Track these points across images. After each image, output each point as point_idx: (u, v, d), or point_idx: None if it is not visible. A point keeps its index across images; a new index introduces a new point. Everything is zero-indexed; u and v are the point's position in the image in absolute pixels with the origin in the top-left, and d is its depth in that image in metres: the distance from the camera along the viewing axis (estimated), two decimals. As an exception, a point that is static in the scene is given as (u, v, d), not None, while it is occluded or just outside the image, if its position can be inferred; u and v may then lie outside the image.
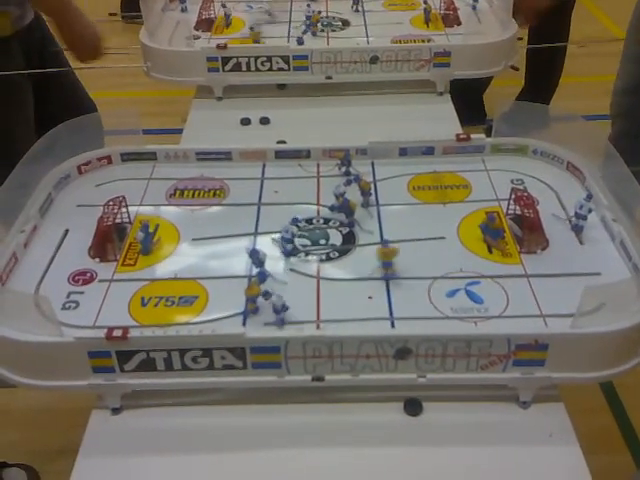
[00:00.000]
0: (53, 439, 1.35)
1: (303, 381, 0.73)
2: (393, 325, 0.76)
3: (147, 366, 0.72)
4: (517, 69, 1.82)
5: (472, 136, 1.03)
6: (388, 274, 0.81)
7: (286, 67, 1.27)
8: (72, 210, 0.94)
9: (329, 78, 1.29)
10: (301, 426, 0.74)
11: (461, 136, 1.02)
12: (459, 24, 1.42)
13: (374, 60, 1.27)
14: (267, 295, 0.77)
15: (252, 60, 1.27)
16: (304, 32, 1.33)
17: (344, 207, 0.90)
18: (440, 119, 1.24)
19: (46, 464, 1.35)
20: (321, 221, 0.91)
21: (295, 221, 0.90)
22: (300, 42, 1.31)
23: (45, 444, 1.37)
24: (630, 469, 1.37)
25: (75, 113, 0.98)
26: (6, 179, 0.86)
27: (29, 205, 0.90)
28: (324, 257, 0.86)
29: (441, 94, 1.30)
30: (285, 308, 0.75)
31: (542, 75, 2.16)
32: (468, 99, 1.84)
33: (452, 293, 0.80)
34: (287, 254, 0.85)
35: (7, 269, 0.81)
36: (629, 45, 1.55)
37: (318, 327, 0.76)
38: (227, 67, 1.28)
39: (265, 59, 1.27)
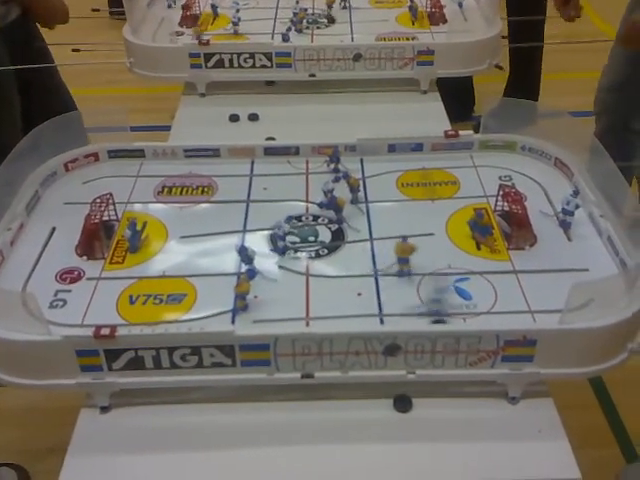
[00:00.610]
0: (42, 438, 1.34)
1: (293, 378, 0.73)
2: (382, 322, 0.76)
3: (135, 364, 0.71)
4: (501, 68, 1.83)
5: (460, 133, 1.03)
6: (404, 270, 0.81)
7: (269, 64, 1.27)
8: (59, 208, 0.94)
9: (312, 76, 1.29)
10: (291, 423, 0.74)
11: (449, 133, 1.03)
12: (445, 22, 1.43)
13: (357, 58, 1.27)
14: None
15: (235, 57, 1.26)
16: (288, 29, 1.33)
17: (332, 204, 0.90)
18: (426, 117, 1.25)
19: (36, 463, 1.34)
20: (310, 218, 0.91)
21: (289, 219, 0.89)
22: (285, 39, 1.31)
23: (34, 443, 1.36)
24: (619, 463, 1.38)
25: (57, 111, 0.98)
26: None
27: (15, 203, 0.89)
28: (313, 254, 0.86)
29: (425, 92, 1.30)
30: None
31: (524, 67, 2.18)
32: (457, 93, 1.85)
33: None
34: (280, 252, 0.85)
35: (-7, 267, 0.80)
36: (618, 44, 1.57)
37: (307, 324, 0.76)
38: (210, 63, 1.27)
39: (248, 56, 1.26)
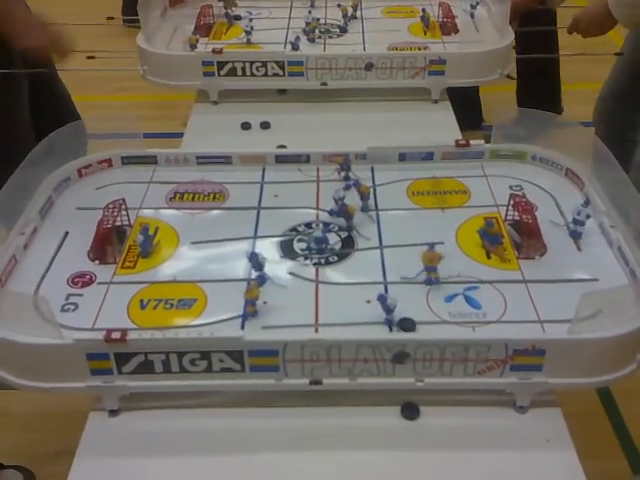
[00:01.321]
0: (50, 442, 1.35)
1: (301, 384, 0.73)
2: (391, 329, 0.76)
3: (145, 368, 0.72)
4: (513, 78, 1.84)
5: (471, 142, 1.03)
6: (432, 279, 0.81)
7: (281, 72, 1.28)
8: (72, 213, 0.95)
9: (324, 84, 1.30)
10: (298, 429, 0.74)
11: (460, 142, 1.03)
12: (457, 32, 1.43)
13: (369, 67, 1.27)
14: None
15: (247, 65, 1.27)
16: (297, 38, 1.33)
17: (343, 212, 0.91)
18: (437, 126, 1.25)
19: (43, 466, 1.35)
20: (320, 225, 0.92)
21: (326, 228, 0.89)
22: (295, 47, 1.32)
23: (42, 447, 1.37)
24: (626, 475, 1.36)
25: (59, 112, 0.98)
26: (6, 179, 0.86)
27: (29, 208, 0.91)
28: (323, 261, 0.86)
29: (436, 102, 1.31)
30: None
31: (535, 78, 2.17)
32: (464, 103, 1.85)
33: (450, 298, 0.80)
34: (319, 251, 0.86)
35: (7, 270, 0.81)
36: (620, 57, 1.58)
37: (316, 331, 0.76)
38: (222, 72, 1.28)
39: (260, 64, 1.27)
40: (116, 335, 0.70)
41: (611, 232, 0.86)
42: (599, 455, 1.20)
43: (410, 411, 0.75)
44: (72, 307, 0.79)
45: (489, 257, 0.86)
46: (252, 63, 1.28)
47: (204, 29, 1.44)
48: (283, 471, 0.71)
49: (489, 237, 0.87)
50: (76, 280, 0.83)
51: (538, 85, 2.20)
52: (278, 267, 0.85)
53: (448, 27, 1.44)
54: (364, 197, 0.94)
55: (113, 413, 0.75)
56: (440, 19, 1.46)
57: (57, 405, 1.27)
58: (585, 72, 2.18)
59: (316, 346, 0.71)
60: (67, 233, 0.90)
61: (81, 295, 0.81)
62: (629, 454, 1.40)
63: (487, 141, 1.05)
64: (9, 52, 1.33)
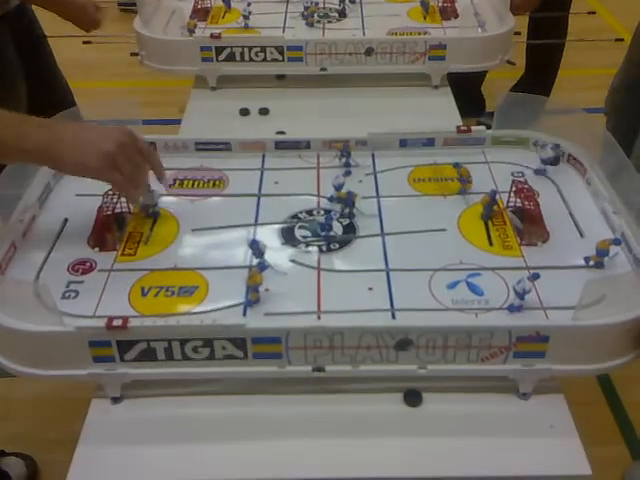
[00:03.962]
0: (51, 429, 1.35)
1: (304, 372, 0.73)
2: (394, 316, 0.76)
3: (147, 356, 0.71)
4: (514, 64, 1.84)
5: (473, 128, 1.02)
6: None
7: (280, 58, 1.27)
8: (71, 199, 0.94)
9: (324, 69, 1.28)
10: (301, 416, 0.74)
11: (462, 128, 1.02)
12: (457, 17, 1.42)
13: (369, 52, 1.26)
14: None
15: (246, 50, 1.26)
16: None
17: (346, 198, 0.90)
18: (438, 112, 1.24)
19: (44, 454, 1.35)
20: (321, 212, 0.91)
21: (329, 219, 0.87)
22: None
23: (43, 434, 1.37)
24: (626, 461, 1.37)
25: (53, 103, 0.97)
26: (1, 169, 0.85)
27: (28, 194, 0.90)
28: (325, 248, 0.85)
29: (436, 87, 1.30)
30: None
31: (541, 67, 2.16)
32: (465, 91, 1.84)
33: (453, 285, 0.80)
34: (326, 238, 0.86)
35: (6, 258, 0.81)
36: (631, 47, 1.57)
37: (319, 318, 0.76)
38: (221, 57, 1.27)
39: (259, 49, 1.26)
40: (118, 322, 0.70)
41: (614, 218, 0.86)
42: (599, 441, 1.21)
43: (413, 398, 0.75)
44: (73, 294, 0.78)
45: (491, 244, 0.86)
46: (251, 48, 1.26)
47: (202, 13, 1.43)
48: (286, 458, 0.70)
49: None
50: (76, 267, 0.82)
51: (541, 73, 2.19)
52: (279, 254, 0.84)
53: (448, 12, 1.43)
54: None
55: (116, 400, 0.75)
56: (440, 4, 1.45)
57: (57, 393, 1.27)
58: (585, 59, 2.17)
59: (319, 333, 0.71)
60: (66, 220, 0.90)
61: (82, 282, 0.80)
62: (629, 441, 1.41)
63: (488, 127, 1.04)
64: (4, 39, 1.31)
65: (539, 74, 2.18)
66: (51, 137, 0.76)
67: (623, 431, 1.42)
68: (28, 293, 0.71)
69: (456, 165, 0.94)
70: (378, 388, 0.75)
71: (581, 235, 0.87)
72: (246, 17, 1.36)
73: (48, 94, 1.47)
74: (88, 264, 0.83)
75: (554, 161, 0.97)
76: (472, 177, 0.96)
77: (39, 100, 1.38)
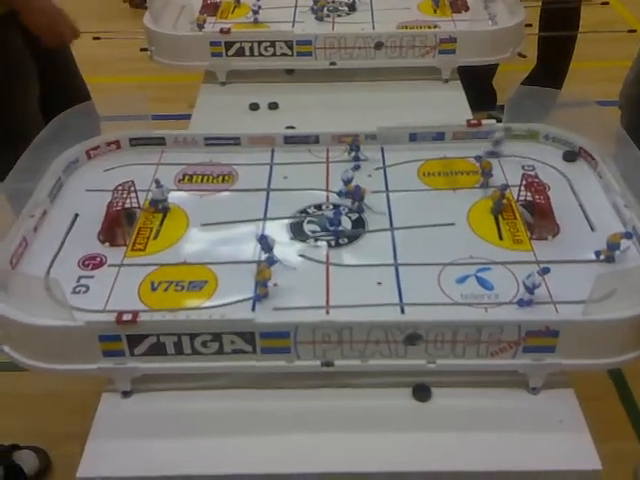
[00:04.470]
0: (63, 423, 1.36)
1: (313, 366, 0.73)
2: (403, 311, 0.76)
3: (157, 350, 0.72)
4: (525, 56, 1.83)
5: (483, 122, 1.02)
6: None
7: (290, 52, 1.27)
8: (81, 195, 0.94)
9: (333, 64, 1.28)
10: (310, 411, 0.74)
11: (472, 122, 1.02)
12: (467, 10, 1.41)
13: (379, 46, 1.26)
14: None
15: (255, 45, 1.26)
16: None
17: (355, 193, 0.90)
18: (448, 106, 1.24)
19: (56, 447, 1.36)
20: (330, 207, 0.91)
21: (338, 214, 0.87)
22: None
23: (55, 428, 1.38)
24: (638, 456, 1.36)
25: (71, 98, 0.98)
26: (8, 158, 0.86)
27: (38, 190, 0.90)
28: (333, 243, 0.85)
29: (447, 81, 1.29)
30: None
31: (553, 59, 2.15)
32: (476, 85, 1.83)
33: (462, 279, 0.79)
34: (334, 233, 0.85)
35: (17, 253, 0.81)
36: None
37: (327, 312, 0.76)
38: (230, 52, 1.27)
39: (269, 44, 1.26)
40: (127, 317, 0.70)
41: (625, 212, 0.85)
42: (611, 437, 1.19)
43: (422, 393, 0.75)
44: (83, 289, 0.79)
45: (501, 238, 0.85)
46: (260, 43, 1.26)
47: (211, 8, 1.43)
48: (294, 452, 0.71)
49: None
50: (87, 262, 0.83)
51: (553, 66, 2.17)
52: (288, 249, 0.84)
53: (458, 5, 1.42)
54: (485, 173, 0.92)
55: (126, 394, 0.75)
56: (450, -4, 1.44)
57: (69, 386, 1.27)
58: (598, 51, 2.15)
59: (328, 328, 0.71)
60: (77, 215, 0.90)
61: (92, 277, 0.81)
62: (641, 436, 1.40)
63: (499, 120, 1.03)
64: (6, 29, 1.31)
65: (551, 66, 2.16)
66: None
67: (635, 426, 1.41)
68: (39, 288, 0.72)
69: (477, 158, 0.93)
70: (387, 383, 0.75)
71: (592, 229, 0.86)
72: (255, 12, 1.36)
73: (66, 90, 1.47)
74: (98, 259, 0.83)
75: (571, 157, 0.96)
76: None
77: (58, 95, 1.38)
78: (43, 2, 1.30)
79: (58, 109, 0.98)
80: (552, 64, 2.15)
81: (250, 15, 1.37)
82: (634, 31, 1.49)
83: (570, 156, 0.98)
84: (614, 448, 1.26)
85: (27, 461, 1.34)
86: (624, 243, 0.80)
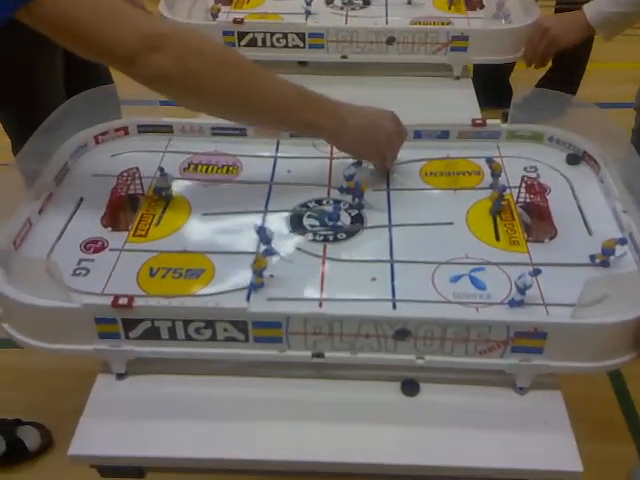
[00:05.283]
0: (66, 399, 1.38)
1: (303, 356, 0.74)
2: (395, 307, 0.77)
3: (151, 334, 0.73)
4: None
5: (488, 122, 1.02)
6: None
7: (302, 44, 1.28)
8: (87, 179, 0.96)
9: (344, 57, 1.29)
10: (299, 401, 0.75)
11: (477, 121, 1.02)
12: (482, 7, 1.41)
13: (390, 41, 1.26)
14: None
15: (268, 36, 1.27)
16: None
17: (354, 189, 0.91)
18: (457, 103, 1.24)
19: (59, 424, 1.39)
20: (331, 202, 0.92)
21: (337, 209, 0.88)
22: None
23: (58, 404, 1.41)
24: (634, 460, 1.36)
25: (94, 81, 0.99)
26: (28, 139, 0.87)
27: (46, 172, 0.92)
28: (331, 238, 0.86)
29: (458, 78, 1.29)
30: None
31: (569, 60, 2.13)
32: (493, 81, 1.83)
33: (456, 278, 0.80)
34: (333, 228, 0.86)
35: (21, 234, 0.83)
36: None
37: (321, 305, 0.77)
38: (243, 42, 1.28)
39: (281, 36, 1.27)
40: (124, 301, 0.72)
41: (623, 217, 0.85)
42: (607, 439, 1.20)
43: (410, 387, 0.76)
44: (83, 272, 0.81)
45: (498, 239, 0.86)
46: (273, 34, 1.27)
47: (226, -3, 1.44)
48: (281, 440, 0.72)
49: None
50: (89, 246, 0.84)
51: (571, 68, 2.15)
52: (286, 242, 0.85)
53: (473, 2, 1.42)
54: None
55: (120, 377, 0.77)
56: (465, -7, 1.43)
57: (71, 363, 1.30)
58: (615, 51, 2.12)
59: (319, 320, 0.72)
60: (82, 199, 0.92)
61: (93, 260, 0.82)
62: (638, 440, 1.40)
63: (504, 121, 1.03)
64: None
65: (567, 67, 2.14)
66: (339, 124, 0.89)
67: (632, 430, 1.41)
68: (40, 269, 0.74)
69: (489, 160, 0.93)
70: (376, 376, 0.76)
71: (589, 233, 0.86)
72: None
73: (89, 74, 1.48)
74: (100, 243, 0.85)
75: (574, 161, 0.97)
76: (484, 171, 0.96)
77: (82, 78, 1.39)
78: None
79: (79, 84, 0.98)
80: (568, 64, 2.14)
81: (267, 4, 1.38)
82: None
83: (573, 159, 0.98)
84: (610, 451, 1.27)
85: (29, 437, 1.37)
86: (620, 249, 0.81)
